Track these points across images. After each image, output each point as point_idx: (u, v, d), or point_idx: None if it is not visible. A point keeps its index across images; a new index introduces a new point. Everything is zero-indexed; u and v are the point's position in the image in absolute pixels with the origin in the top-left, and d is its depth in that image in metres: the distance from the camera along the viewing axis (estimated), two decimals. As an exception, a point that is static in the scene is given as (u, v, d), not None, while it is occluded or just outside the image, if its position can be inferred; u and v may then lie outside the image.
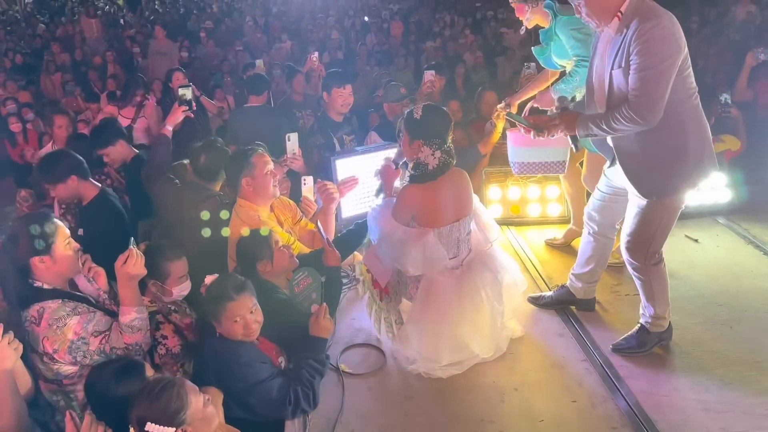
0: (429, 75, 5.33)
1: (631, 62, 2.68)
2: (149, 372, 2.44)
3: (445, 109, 3.23)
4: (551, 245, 4.43)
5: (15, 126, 7.10)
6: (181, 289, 3.02)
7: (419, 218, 3.11)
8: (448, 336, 3.08)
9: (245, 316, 2.66)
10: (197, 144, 3.90)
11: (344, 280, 3.82)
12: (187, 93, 4.00)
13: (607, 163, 3.19)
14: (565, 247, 4.36)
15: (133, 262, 2.59)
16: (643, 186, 2.91)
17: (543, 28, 3.91)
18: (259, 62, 7.71)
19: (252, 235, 3.20)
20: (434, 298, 3.11)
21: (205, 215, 3.49)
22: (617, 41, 2.76)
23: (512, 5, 3.91)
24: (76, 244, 2.76)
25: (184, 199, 3.74)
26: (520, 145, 3.78)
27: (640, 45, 2.64)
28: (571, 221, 4.43)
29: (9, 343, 2.34)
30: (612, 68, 2.81)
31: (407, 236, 3.09)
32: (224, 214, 3.47)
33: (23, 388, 2.49)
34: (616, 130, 2.80)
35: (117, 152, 4.33)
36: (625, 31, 2.71)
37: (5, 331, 2.35)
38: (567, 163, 3.85)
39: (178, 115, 3.93)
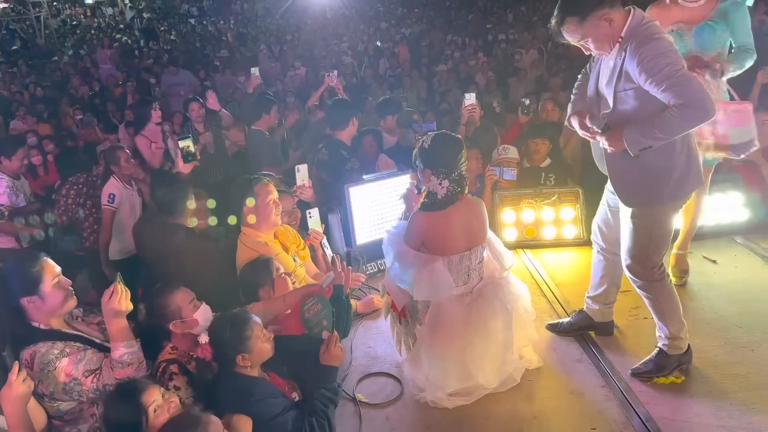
0: (470, 99, 5.18)
1: (649, 81, 2.65)
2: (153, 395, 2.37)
3: (457, 137, 3.20)
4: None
5: (36, 159, 7.24)
6: (203, 313, 2.92)
7: (428, 246, 3.10)
8: (454, 363, 3.06)
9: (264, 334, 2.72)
10: (153, 179, 3.83)
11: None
12: (190, 144, 3.88)
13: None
14: (581, 270, 4.30)
15: (118, 297, 2.55)
16: (627, 196, 2.99)
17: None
18: (254, 70, 7.07)
19: (253, 263, 3.25)
20: (442, 324, 3.09)
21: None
22: (617, 63, 2.78)
23: None
24: (66, 281, 2.75)
25: (153, 237, 3.73)
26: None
27: (648, 63, 2.63)
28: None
29: (24, 381, 2.36)
30: (617, 90, 2.81)
31: (417, 260, 3.09)
32: (213, 221, 3.72)
33: (38, 425, 2.51)
34: (677, 133, 2.73)
35: None
36: (623, 53, 2.74)
37: (19, 369, 2.37)
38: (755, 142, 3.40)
39: (187, 171, 3.91)
